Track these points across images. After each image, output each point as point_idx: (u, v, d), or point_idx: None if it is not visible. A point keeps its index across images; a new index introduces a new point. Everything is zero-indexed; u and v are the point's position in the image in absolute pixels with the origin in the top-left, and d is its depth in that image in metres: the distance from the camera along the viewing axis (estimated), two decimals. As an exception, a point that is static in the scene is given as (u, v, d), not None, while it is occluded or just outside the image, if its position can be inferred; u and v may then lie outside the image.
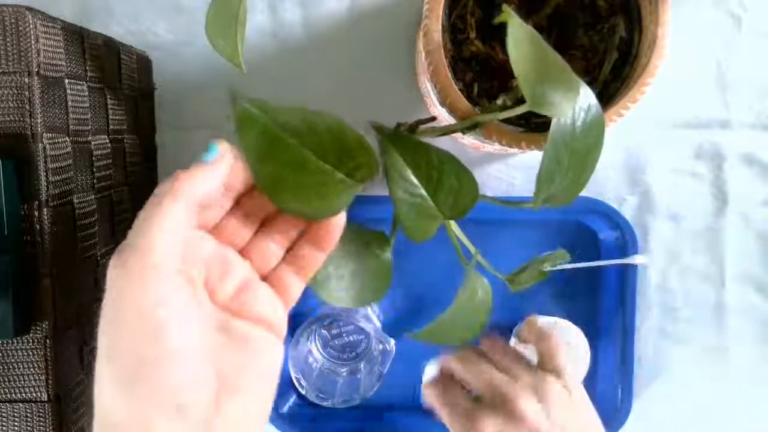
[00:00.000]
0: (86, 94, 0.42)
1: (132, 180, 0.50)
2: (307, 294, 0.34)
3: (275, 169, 0.30)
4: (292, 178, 0.30)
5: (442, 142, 0.34)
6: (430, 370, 0.50)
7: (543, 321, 0.53)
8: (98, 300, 0.43)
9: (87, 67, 0.43)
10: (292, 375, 0.55)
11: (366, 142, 0.31)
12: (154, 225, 0.28)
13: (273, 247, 0.32)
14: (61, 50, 0.39)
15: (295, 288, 0.33)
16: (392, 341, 0.53)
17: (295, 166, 0.30)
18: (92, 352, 0.43)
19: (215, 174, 0.30)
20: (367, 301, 0.37)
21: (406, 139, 0.34)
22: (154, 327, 0.26)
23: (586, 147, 0.36)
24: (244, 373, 0.29)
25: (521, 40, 0.32)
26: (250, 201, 0.32)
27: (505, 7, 0.33)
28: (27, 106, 0.36)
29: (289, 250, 0.33)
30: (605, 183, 0.56)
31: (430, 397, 0.46)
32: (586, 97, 0.35)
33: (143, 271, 0.27)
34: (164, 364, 0.26)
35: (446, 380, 0.47)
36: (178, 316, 0.27)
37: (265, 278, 0.32)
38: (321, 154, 0.30)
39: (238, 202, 0.32)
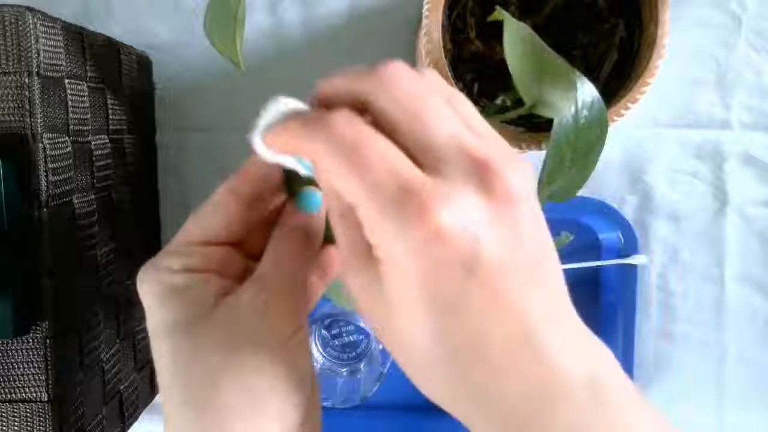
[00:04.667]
0: (86, 94, 0.42)
1: (132, 180, 0.50)
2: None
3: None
4: None
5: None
6: (280, 106, 0.25)
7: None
8: (99, 300, 0.43)
9: (87, 67, 0.43)
10: (292, 375, 0.55)
11: None
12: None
13: None
14: (61, 50, 0.39)
15: (318, 291, 0.31)
16: (392, 341, 0.53)
17: None
18: (91, 354, 0.43)
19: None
20: None
21: None
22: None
23: (589, 142, 0.36)
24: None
25: (516, 41, 0.32)
26: (271, 205, 0.30)
27: (498, 7, 0.33)
28: (27, 106, 0.36)
29: None
30: (605, 183, 0.56)
31: (290, 144, 0.24)
32: (589, 91, 0.35)
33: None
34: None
35: (343, 117, 0.23)
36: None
37: None
38: None
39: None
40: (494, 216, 0.22)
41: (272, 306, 0.26)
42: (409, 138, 0.22)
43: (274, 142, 0.25)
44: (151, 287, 0.27)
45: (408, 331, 0.23)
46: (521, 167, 0.23)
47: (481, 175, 0.22)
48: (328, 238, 0.31)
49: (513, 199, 0.22)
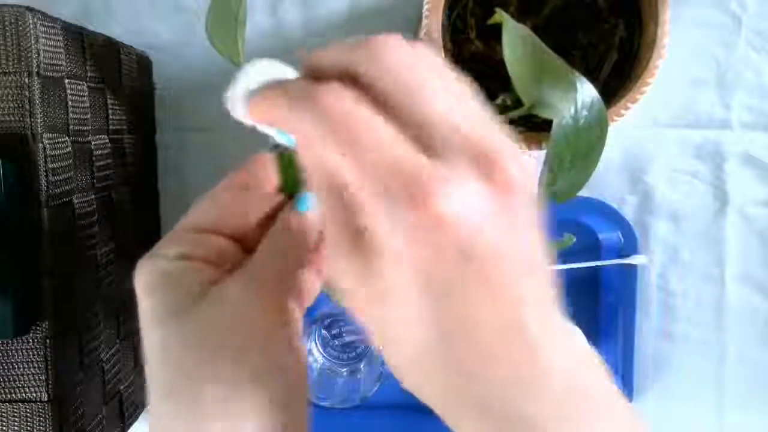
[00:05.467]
0: (86, 94, 0.42)
1: (132, 180, 0.50)
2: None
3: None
4: None
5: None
6: (262, 69, 0.25)
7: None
8: (99, 300, 0.43)
9: (87, 67, 0.43)
10: (292, 375, 0.55)
11: None
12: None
13: None
14: (61, 50, 0.39)
15: (314, 288, 0.31)
16: (392, 341, 0.53)
17: None
18: (91, 354, 0.43)
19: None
20: None
21: None
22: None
23: (589, 142, 0.36)
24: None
25: (516, 42, 0.32)
26: (271, 204, 0.29)
27: (498, 9, 0.33)
28: (27, 106, 0.36)
29: None
30: (605, 183, 0.56)
31: (287, 119, 0.22)
32: (589, 92, 0.35)
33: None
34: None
35: (332, 89, 0.21)
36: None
37: None
38: None
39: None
40: (493, 204, 0.21)
41: (259, 298, 0.26)
42: (402, 113, 0.21)
43: (254, 111, 0.24)
44: (146, 276, 0.27)
45: (400, 318, 0.22)
46: (521, 158, 0.22)
47: (481, 161, 0.21)
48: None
49: (513, 188, 0.21)
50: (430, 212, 0.20)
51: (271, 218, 0.29)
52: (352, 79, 0.22)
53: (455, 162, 0.20)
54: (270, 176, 0.29)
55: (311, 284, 0.31)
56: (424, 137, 0.21)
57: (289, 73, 0.25)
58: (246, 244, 0.29)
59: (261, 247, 0.28)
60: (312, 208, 0.29)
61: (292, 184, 0.29)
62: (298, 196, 0.29)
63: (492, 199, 0.21)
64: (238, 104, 0.24)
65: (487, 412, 0.23)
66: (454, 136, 0.21)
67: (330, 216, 0.23)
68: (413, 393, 0.24)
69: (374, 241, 0.21)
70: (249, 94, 0.23)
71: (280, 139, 0.25)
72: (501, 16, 0.32)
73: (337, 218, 0.22)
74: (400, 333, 0.23)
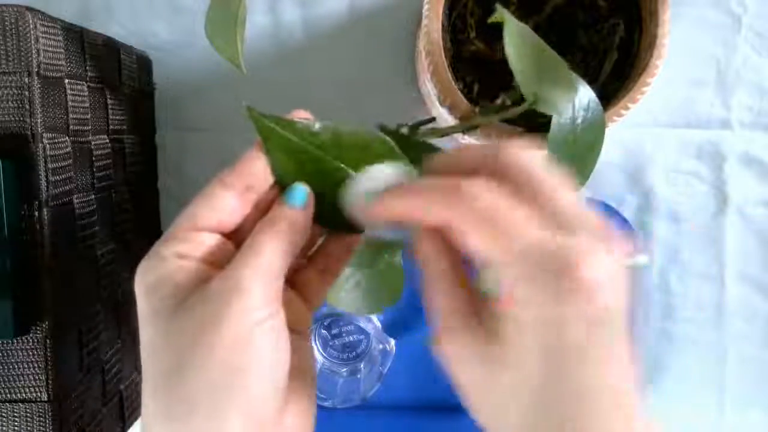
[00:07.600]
0: (86, 94, 0.42)
1: (132, 180, 0.50)
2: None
3: (310, 184, 0.29)
4: (327, 194, 0.30)
5: (443, 143, 0.34)
6: (378, 173, 0.28)
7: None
8: (99, 300, 0.43)
9: (87, 67, 0.43)
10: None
11: (395, 149, 0.30)
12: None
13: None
14: (61, 50, 0.39)
15: (321, 291, 0.31)
16: (392, 341, 0.53)
17: (330, 182, 0.30)
18: (91, 354, 0.43)
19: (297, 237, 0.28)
20: (381, 307, 0.37)
21: (415, 141, 0.34)
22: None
23: (586, 144, 0.36)
24: (294, 380, 0.28)
25: (517, 39, 0.32)
26: (266, 201, 0.30)
27: (498, 6, 0.33)
28: (27, 106, 0.36)
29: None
30: (605, 183, 0.56)
31: (422, 206, 0.26)
32: (586, 94, 0.35)
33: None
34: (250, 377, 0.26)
35: (483, 185, 0.25)
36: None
37: (288, 282, 0.30)
38: (353, 166, 0.30)
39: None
40: (619, 274, 0.25)
41: (240, 292, 0.26)
42: (535, 202, 0.24)
43: (384, 207, 0.27)
44: (142, 277, 0.27)
45: (509, 384, 0.25)
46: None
47: (602, 237, 0.24)
48: (333, 230, 0.31)
49: (624, 262, 0.25)
50: (579, 278, 0.23)
51: (265, 214, 0.29)
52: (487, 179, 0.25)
53: (586, 238, 0.24)
54: (264, 172, 0.29)
55: (312, 282, 0.31)
56: (556, 220, 0.24)
57: (403, 174, 0.28)
58: (240, 240, 0.29)
59: (246, 241, 0.28)
60: (301, 201, 0.29)
61: (285, 179, 0.29)
62: (287, 190, 0.29)
63: (617, 269, 0.25)
64: (360, 202, 0.28)
65: None
66: (579, 218, 0.24)
67: (443, 296, 0.27)
68: None
69: (514, 312, 0.24)
70: (368, 194, 0.28)
71: (389, 235, 0.28)
72: (501, 14, 0.32)
73: (452, 298, 0.26)
74: (509, 400, 0.25)
